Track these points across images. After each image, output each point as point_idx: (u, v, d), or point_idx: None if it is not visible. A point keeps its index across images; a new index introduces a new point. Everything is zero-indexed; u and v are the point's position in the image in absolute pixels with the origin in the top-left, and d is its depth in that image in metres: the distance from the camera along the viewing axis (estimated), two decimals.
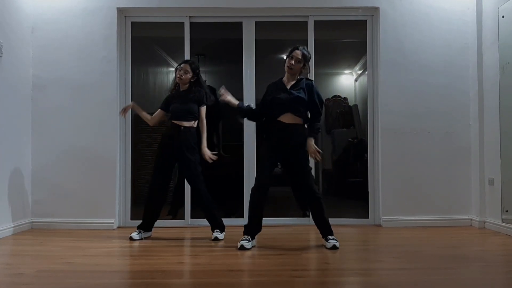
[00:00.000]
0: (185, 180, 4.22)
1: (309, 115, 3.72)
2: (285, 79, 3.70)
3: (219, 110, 5.06)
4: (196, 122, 3.99)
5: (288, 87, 3.64)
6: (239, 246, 3.48)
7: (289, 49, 3.67)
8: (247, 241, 3.51)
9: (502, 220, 4.15)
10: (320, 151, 3.66)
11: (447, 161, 4.62)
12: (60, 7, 4.60)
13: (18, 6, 4.36)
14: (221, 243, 3.78)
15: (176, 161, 3.97)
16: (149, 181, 4.05)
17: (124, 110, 4.15)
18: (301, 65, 3.62)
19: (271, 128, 3.63)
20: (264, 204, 3.61)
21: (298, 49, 3.62)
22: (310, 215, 4.69)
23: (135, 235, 3.86)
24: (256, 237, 3.66)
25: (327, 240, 3.54)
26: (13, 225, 4.20)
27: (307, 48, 3.73)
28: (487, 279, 2.75)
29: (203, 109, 4.02)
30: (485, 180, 4.46)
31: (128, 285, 2.71)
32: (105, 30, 4.60)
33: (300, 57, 3.60)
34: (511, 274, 2.87)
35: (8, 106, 4.17)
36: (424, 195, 4.59)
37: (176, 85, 4.07)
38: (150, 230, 4.00)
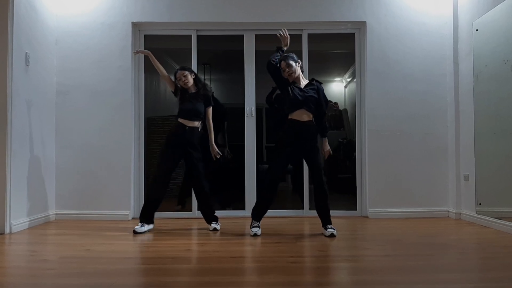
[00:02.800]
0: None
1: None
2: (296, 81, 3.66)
3: (224, 112, 5.07)
4: (200, 122, 3.89)
5: (303, 87, 3.63)
6: (252, 234, 3.55)
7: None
8: (257, 228, 3.59)
9: (476, 212, 4.16)
10: (331, 152, 3.70)
11: (427, 159, 4.62)
12: (81, 22, 4.61)
13: (44, 21, 4.36)
14: (225, 232, 3.78)
15: (181, 158, 3.84)
16: (154, 173, 3.87)
17: (137, 51, 4.05)
18: (293, 67, 3.60)
19: (291, 125, 3.58)
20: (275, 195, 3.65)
21: (281, 61, 3.63)
22: (304, 207, 4.74)
23: (138, 228, 3.71)
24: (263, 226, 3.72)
25: (326, 228, 3.59)
26: (39, 217, 4.21)
27: (290, 53, 3.72)
28: (462, 264, 2.76)
29: (210, 110, 3.95)
30: (460, 176, 4.46)
31: (141, 270, 2.72)
32: (121, 42, 4.60)
33: (284, 65, 3.61)
34: (484, 260, 2.88)
35: (35, 110, 4.18)
36: (406, 189, 4.59)
37: (181, 90, 3.89)
38: (152, 222, 3.84)
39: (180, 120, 3.83)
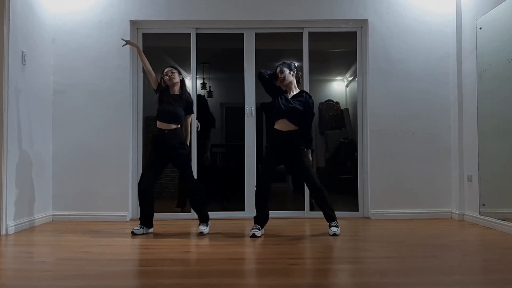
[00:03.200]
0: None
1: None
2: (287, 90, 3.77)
3: (213, 120, 5.20)
4: (180, 124, 3.77)
5: (289, 97, 3.70)
6: (250, 235, 3.57)
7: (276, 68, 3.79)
8: (257, 230, 3.62)
9: (480, 213, 4.14)
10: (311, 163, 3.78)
11: (429, 160, 4.61)
12: (78, 20, 4.60)
13: (40, 19, 4.35)
14: (224, 233, 3.76)
15: (166, 163, 3.80)
16: (138, 182, 3.77)
17: (127, 42, 4.03)
18: (284, 73, 3.68)
19: (272, 134, 3.71)
20: (268, 200, 3.71)
21: (277, 67, 3.75)
22: (305, 208, 4.73)
23: (137, 230, 3.69)
24: (264, 227, 3.74)
25: (329, 227, 3.66)
26: (35, 218, 4.20)
27: (289, 61, 3.82)
28: (465, 266, 2.75)
29: (190, 118, 3.91)
30: (464, 176, 4.45)
31: (139, 272, 2.71)
32: (119, 40, 4.55)
33: (278, 71, 3.71)
34: (488, 262, 2.87)
35: (32, 109, 4.17)
36: (409, 190, 4.58)
37: (162, 90, 3.81)
38: (152, 226, 3.80)
39: (158, 123, 3.74)
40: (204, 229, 3.75)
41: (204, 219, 3.81)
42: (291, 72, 3.74)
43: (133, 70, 4.71)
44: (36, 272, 2.64)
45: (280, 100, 3.67)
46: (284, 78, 3.70)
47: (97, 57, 4.59)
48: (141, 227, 3.74)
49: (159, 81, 3.87)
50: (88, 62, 4.59)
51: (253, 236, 3.56)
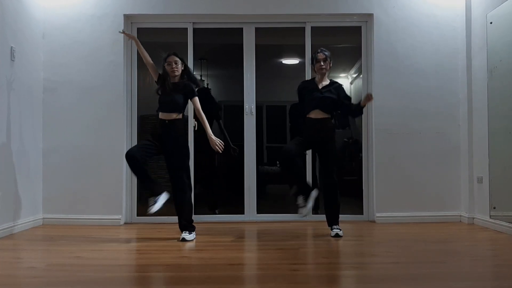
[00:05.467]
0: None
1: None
2: (317, 80, 3.89)
3: (218, 109, 5.15)
4: (181, 114, 3.72)
5: (320, 87, 3.83)
6: (302, 215, 3.76)
7: (312, 56, 3.98)
8: (303, 201, 3.70)
9: (490, 217, 4.14)
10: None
11: (438, 160, 4.61)
12: (70, 14, 4.59)
13: (30, 13, 4.35)
14: (223, 238, 3.76)
15: (162, 150, 3.67)
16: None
17: (125, 34, 4.07)
18: (327, 62, 3.83)
19: (307, 123, 3.83)
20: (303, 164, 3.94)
21: (319, 52, 3.86)
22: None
23: (156, 204, 3.49)
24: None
25: (332, 229, 3.73)
26: (25, 221, 4.19)
27: (326, 50, 3.92)
28: (476, 272, 2.75)
29: (196, 100, 3.76)
30: (474, 178, 4.45)
31: (134, 278, 2.71)
32: (113, 35, 4.58)
33: (322, 57, 3.82)
34: (499, 267, 2.87)
35: (21, 107, 4.16)
36: (416, 192, 4.58)
37: (162, 81, 3.74)
38: (162, 191, 3.58)
39: (160, 114, 3.70)
40: (187, 235, 3.61)
41: (190, 227, 3.70)
42: (331, 62, 3.90)
43: (127, 66, 4.70)
44: (25, 278, 2.64)
45: (311, 92, 3.82)
46: (325, 68, 3.83)
47: (90, 53, 4.58)
48: (155, 199, 3.52)
49: (160, 72, 3.83)
50: (80, 58, 4.58)
51: (303, 214, 3.71)
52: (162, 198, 3.58)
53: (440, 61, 4.64)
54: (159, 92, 3.75)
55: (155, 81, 3.86)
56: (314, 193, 3.73)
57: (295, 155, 3.72)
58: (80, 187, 4.51)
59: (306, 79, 4.43)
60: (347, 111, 4.06)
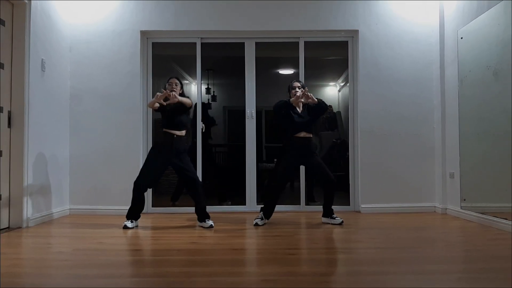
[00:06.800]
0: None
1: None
2: (293, 103, 3.81)
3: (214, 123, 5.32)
4: (185, 131, 3.79)
5: (300, 111, 3.85)
6: (253, 224, 3.74)
7: (288, 85, 3.90)
8: (260, 219, 3.77)
9: (461, 207, 4.15)
10: (309, 95, 3.72)
11: (415, 158, 4.62)
12: (93, 30, 4.60)
13: (58, 29, 4.36)
14: (227, 226, 3.77)
15: (166, 167, 3.76)
16: (137, 177, 3.69)
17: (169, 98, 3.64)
18: (303, 92, 3.75)
19: (292, 141, 3.82)
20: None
21: (295, 81, 3.86)
22: (301, 203, 4.73)
23: (128, 223, 3.63)
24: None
25: (333, 218, 3.81)
26: (54, 211, 4.20)
27: (299, 81, 3.95)
28: (448, 256, 2.75)
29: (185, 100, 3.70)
30: (446, 174, 4.46)
31: (149, 261, 2.71)
32: (130, 49, 4.60)
33: (298, 85, 3.82)
34: (469, 252, 2.87)
35: (50, 112, 4.17)
36: (396, 186, 4.59)
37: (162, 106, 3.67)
38: (139, 218, 3.77)
39: (166, 130, 3.70)
40: (212, 222, 3.73)
41: (207, 215, 3.79)
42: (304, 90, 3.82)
43: (143, 76, 4.71)
44: (54, 261, 2.64)
45: (294, 116, 3.81)
46: (300, 96, 3.73)
47: (110, 64, 4.59)
48: (131, 221, 3.68)
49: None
50: (102, 68, 4.59)
51: (256, 225, 3.72)
52: (136, 223, 3.74)
53: (417, 71, 4.65)
54: (163, 113, 3.72)
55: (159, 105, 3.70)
56: (266, 220, 3.83)
57: (283, 188, 3.88)
58: (102, 182, 4.52)
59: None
60: (318, 112, 3.90)
